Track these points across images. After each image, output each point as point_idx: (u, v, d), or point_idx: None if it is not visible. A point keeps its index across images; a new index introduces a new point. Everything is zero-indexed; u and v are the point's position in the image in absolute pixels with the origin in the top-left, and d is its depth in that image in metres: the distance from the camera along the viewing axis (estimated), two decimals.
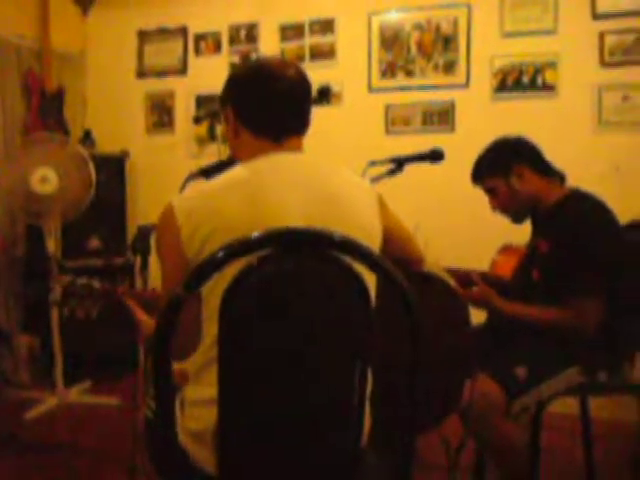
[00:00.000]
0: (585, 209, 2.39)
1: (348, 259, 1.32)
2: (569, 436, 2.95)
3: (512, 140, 2.57)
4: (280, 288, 1.33)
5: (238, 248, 1.25)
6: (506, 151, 2.54)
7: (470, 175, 2.60)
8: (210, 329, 1.44)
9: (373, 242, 1.57)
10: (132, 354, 4.50)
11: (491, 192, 2.55)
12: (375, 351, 1.48)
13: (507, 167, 2.48)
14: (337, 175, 1.63)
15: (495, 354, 2.39)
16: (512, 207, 2.54)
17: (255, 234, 1.27)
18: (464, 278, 2.48)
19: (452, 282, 2.18)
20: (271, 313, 1.33)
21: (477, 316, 2.47)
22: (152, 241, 2.59)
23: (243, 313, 1.31)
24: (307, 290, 1.35)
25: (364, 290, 1.35)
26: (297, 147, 1.66)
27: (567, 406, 2.61)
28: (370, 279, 1.44)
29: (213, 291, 1.38)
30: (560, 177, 2.52)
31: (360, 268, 1.34)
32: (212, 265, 1.24)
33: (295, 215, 1.47)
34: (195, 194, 1.56)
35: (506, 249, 2.76)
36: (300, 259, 1.31)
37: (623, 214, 2.43)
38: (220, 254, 1.24)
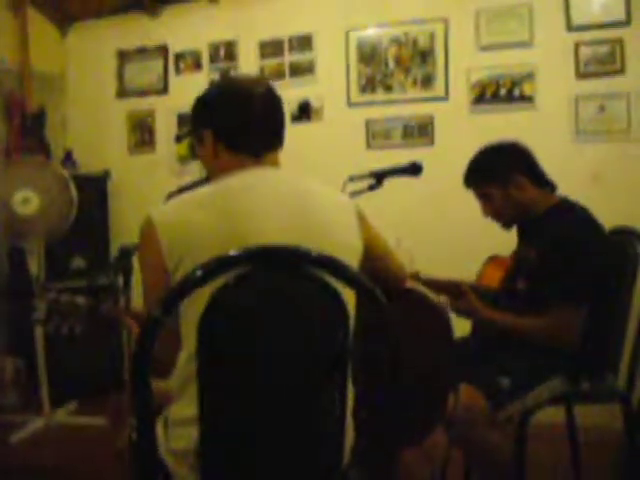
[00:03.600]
0: (571, 219, 2.40)
1: (326, 275, 1.33)
2: (555, 445, 2.95)
3: (511, 147, 2.56)
4: (258, 305, 1.33)
5: (216, 266, 1.25)
6: (506, 159, 2.52)
7: (464, 178, 2.58)
8: (188, 344, 1.44)
9: (351, 258, 1.56)
10: (118, 373, 4.50)
11: (486, 198, 2.53)
12: (356, 366, 1.49)
13: (506, 176, 2.46)
14: (314, 191, 1.63)
15: (479, 365, 2.39)
16: (506, 214, 2.54)
17: (232, 252, 1.28)
18: (454, 289, 2.47)
19: (433, 296, 2.19)
20: (250, 330, 1.34)
21: (461, 328, 2.47)
22: (134, 261, 2.59)
23: (222, 331, 1.31)
24: (285, 307, 1.36)
25: (342, 306, 1.36)
26: (274, 162, 1.68)
27: (553, 415, 2.61)
28: (349, 295, 1.45)
29: (190, 307, 1.37)
30: (551, 186, 2.53)
31: (339, 284, 1.35)
32: (190, 284, 1.24)
33: (271, 229, 1.48)
34: (172, 206, 1.56)
35: (492, 260, 2.75)
36: (278, 276, 1.32)
37: (602, 222, 2.45)
38: (198, 273, 1.24)
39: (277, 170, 1.67)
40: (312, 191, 1.63)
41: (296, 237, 1.46)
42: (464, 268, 2.75)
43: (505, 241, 2.68)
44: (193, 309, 1.35)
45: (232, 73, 4.69)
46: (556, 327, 2.30)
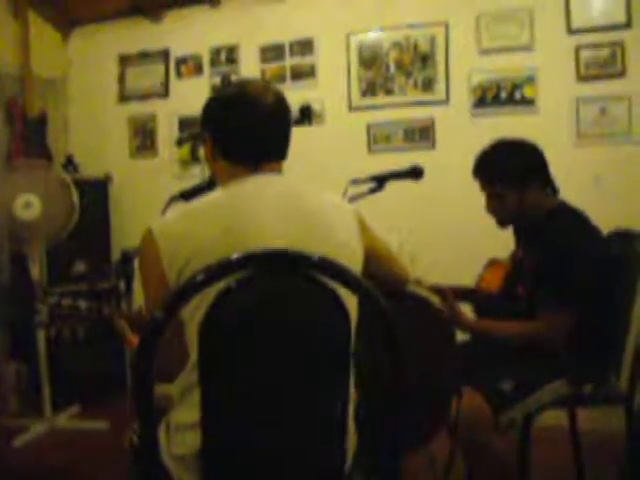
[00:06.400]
0: (568, 224, 2.40)
1: (327, 279, 1.33)
2: (558, 448, 2.94)
3: (531, 151, 2.50)
4: (259, 309, 1.34)
5: (217, 270, 1.26)
6: (528, 165, 2.46)
7: (476, 168, 2.53)
8: (192, 352, 1.44)
9: (352, 262, 1.55)
10: (120, 376, 4.50)
11: (497, 197, 2.48)
12: (358, 370, 1.49)
13: (525, 182, 2.43)
14: (315, 197, 1.63)
15: (481, 369, 2.39)
16: (511, 216, 2.51)
17: (234, 256, 1.28)
18: (440, 294, 2.45)
19: (436, 301, 2.19)
20: (250, 334, 1.34)
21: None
22: (136, 265, 2.59)
23: (222, 335, 1.31)
24: (286, 311, 1.36)
25: (344, 309, 1.36)
26: (275, 171, 1.66)
27: (555, 418, 2.61)
28: (351, 298, 1.44)
29: (194, 315, 1.38)
30: (554, 190, 2.52)
31: (340, 288, 1.35)
32: (191, 287, 1.25)
33: (271, 237, 1.47)
34: (174, 218, 1.56)
35: (492, 264, 2.75)
36: (279, 280, 1.32)
37: (603, 225, 2.45)
38: (199, 276, 1.24)
39: (275, 176, 1.65)
40: (311, 196, 1.62)
41: (297, 242, 1.46)
42: (465, 271, 2.76)
43: (506, 245, 2.68)
44: (197, 317, 1.35)
45: (235, 78, 4.68)
46: (543, 331, 2.29)
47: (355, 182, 2.42)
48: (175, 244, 1.48)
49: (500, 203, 2.48)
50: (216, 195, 1.60)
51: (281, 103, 1.67)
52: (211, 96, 1.74)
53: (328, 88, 4.58)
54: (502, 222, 2.56)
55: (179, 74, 5.00)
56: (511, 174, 2.45)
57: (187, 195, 2.15)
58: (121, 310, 2.06)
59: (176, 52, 5.00)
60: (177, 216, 1.56)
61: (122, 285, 2.84)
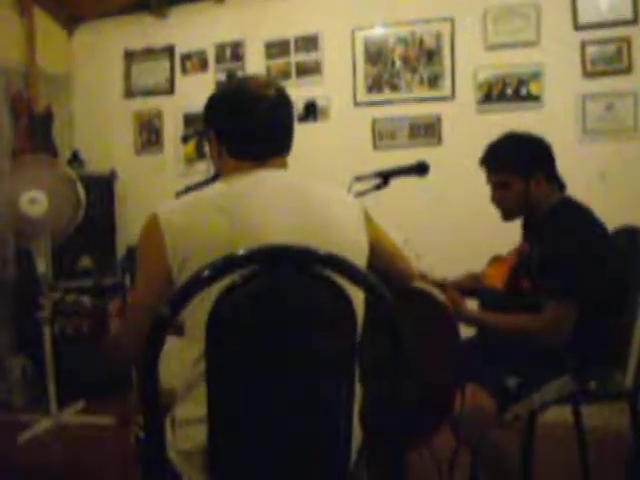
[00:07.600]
0: (573, 219, 2.40)
1: (332, 274, 1.33)
2: (563, 444, 2.94)
3: (538, 142, 2.52)
4: (265, 305, 1.34)
5: (223, 266, 1.25)
6: (534, 155, 2.48)
7: (483, 158, 2.54)
8: (195, 346, 1.43)
9: (358, 257, 1.55)
10: (125, 372, 4.50)
11: (503, 187, 2.48)
12: (364, 366, 1.49)
13: (530, 172, 2.43)
14: (320, 191, 1.63)
15: (485, 365, 2.38)
16: (515, 207, 2.51)
17: (240, 252, 1.28)
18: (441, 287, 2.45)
19: (441, 296, 2.18)
20: (257, 330, 1.34)
21: (467, 328, 2.47)
22: None
23: (229, 331, 1.31)
24: (292, 306, 1.36)
25: (349, 305, 1.36)
26: (280, 165, 1.66)
27: (560, 415, 2.61)
28: (357, 294, 1.44)
29: (196, 309, 1.36)
30: (560, 185, 2.52)
31: (346, 283, 1.35)
32: (198, 284, 1.24)
33: (276, 231, 1.47)
34: (178, 207, 1.56)
35: (496, 260, 2.75)
36: (285, 275, 1.32)
37: (609, 221, 2.44)
38: (206, 272, 1.24)
39: (280, 171, 1.65)
40: (316, 190, 1.63)
41: (301, 236, 1.46)
42: (471, 267, 2.75)
43: (512, 240, 2.68)
44: (201, 310, 1.35)
45: (240, 74, 4.69)
46: (547, 322, 2.29)
47: (360, 178, 2.42)
48: (180, 235, 1.48)
49: (505, 193, 2.49)
50: (219, 186, 1.60)
51: (283, 98, 1.67)
52: (213, 93, 1.74)
53: (333, 84, 4.58)
54: (506, 214, 2.56)
55: (184, 70, 5.01)
56: (517, 162, 2.47)
57: (193, 191, 2.15)
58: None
59: (181, 48, 5.01)
60: (181, 204, 1.57)
61: (127, 281, 2.84)
